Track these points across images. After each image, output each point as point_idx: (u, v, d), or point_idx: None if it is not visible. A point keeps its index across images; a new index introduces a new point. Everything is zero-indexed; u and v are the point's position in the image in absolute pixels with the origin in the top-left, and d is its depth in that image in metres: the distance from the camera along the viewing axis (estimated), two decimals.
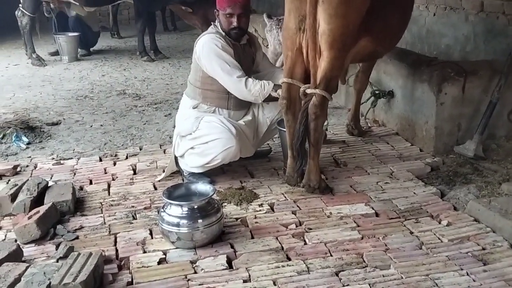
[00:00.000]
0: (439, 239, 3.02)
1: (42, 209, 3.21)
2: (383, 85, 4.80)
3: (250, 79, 3.65)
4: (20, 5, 8.18)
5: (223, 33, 3.73)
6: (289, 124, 3.66)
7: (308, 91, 3.44)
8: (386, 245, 2.96)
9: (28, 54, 8.36)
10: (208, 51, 3.66)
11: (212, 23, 3.83)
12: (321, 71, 3.39)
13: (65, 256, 2.80)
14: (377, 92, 4.76)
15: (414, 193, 3.59)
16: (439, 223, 3.20)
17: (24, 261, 2.82)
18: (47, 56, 8.71)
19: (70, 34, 8.59)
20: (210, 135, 3.66)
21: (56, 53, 8.77)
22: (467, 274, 2.68)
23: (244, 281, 2.69)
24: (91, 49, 9.19)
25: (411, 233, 3.10)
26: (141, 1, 8.31)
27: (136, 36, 8.80)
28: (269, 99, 3.73)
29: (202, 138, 3.70)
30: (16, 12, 8.26)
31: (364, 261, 2.82)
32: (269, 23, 5.67)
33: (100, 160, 4.37)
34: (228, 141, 3.62)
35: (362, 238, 3.05)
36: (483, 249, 2.91)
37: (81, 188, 3.83)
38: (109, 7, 10.52)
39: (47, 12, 8.57)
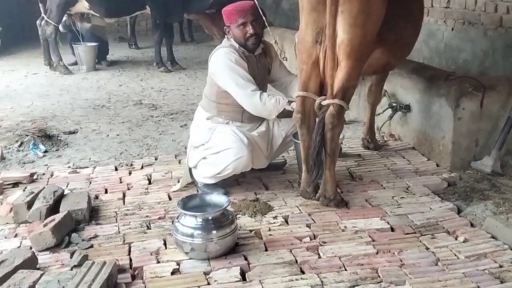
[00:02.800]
0: (455, 255, 2.98)
1: (58, 217, 3.22)
2: (400, 99, 4.77)
3: (264, 93, 3.65)
4: (44, 15, 8.30)
5: (237, 46, 3.73)
6: (304, 138, 3.64)
7: (325, 102, 3.44)
8: (401, 261, 2.93)
9: (55, 62, 8.45)
10: (223, 66, 3.66)
11: (226, 35, 3.83)
12: (338, 81, 3.38)
13: (79, 265, 2.81)
14: (394, 104, 4.74)
15: (431, 208, 3.55)
16: (456, 239, 3.16)
17: (38, 269, 2.83)
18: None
19: (89, 44, 8.72)
20: (222, 145, 3.67)
21: (74, 63, 8.88)
22: None
23: None
24: (108, 58, 9.29)
25: (427, 249, 3.06)
26: (158, 13, 8.40)
27: (153, 47, 8.88)
28: (283, 114, 3.72)
29: (214, 148, 3.71)
30: (38, 22, 8.39)
31: (379, 276, 2.79)
32: None
33: (116, 169, 4.39)
34: (239, 150, 3.62)
35: (377, 253, 3.02)
36: (500, 266, 2.86)
37: (97, 197, 3.84)
38: (127, 18, 10.65)
39: (63, 27, 8.69)
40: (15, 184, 4.07)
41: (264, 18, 4.21)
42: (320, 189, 3.61)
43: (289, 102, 3.65)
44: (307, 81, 3.56)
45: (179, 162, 4.50)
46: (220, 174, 3.73)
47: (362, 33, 3.33)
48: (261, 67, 3.85)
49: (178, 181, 3.97)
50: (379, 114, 4.81)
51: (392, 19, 3.57)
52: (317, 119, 3.56)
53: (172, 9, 8.36)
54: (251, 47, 3.74)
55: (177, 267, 2.91)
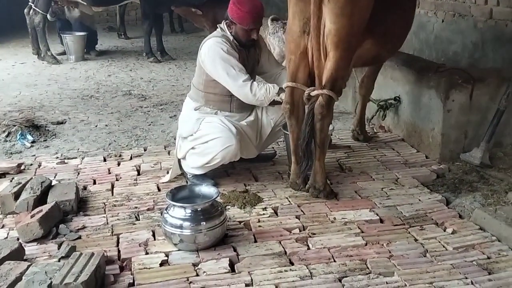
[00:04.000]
0: (443, 247, 3.00)
1: (45, 208, 3.20)
2: (390, 90, 4.77)
3: (255, 83, 3.64)
4: (32, 4, 8.20)
5: (231, 38, 3.71)
6: (293, 129, 3.64)
7: (313, 93, 3.43)
8: (390, 252, 2.94)
9: (42, 52, 8.36)
10: (214, 55, 3.64)
11: (218, 25, 3.81)
12: (327, 71, 3.37)
13: (67, 256, 2.78)
14: (382, 103, 4.74)
15: (419, 200, 3.57)
16: (444, 230, 3.17)
17: (25, 260, 2.82)
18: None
19: (77, 33, 8.62)
20: (210, 135, 3.66)
21: (63, 53, 8.80)
22: (472, 283, 2.65)
23: (247, 285, 2.67)
24: (96, 47, 9.21)
25: (416, 240, 3.07)
26: (147, 3, 8.32)
27: (142, 37, 8.81)
28: (274, 103, 3.71)
29: (202, 138, 3.70)
30: (25, 10, 8.28)
31: (368, 268, 2.80)
32: (272, 26, 5.72)
33: (104, 160, 4.36)
34: (227, 139, 3.61)
35: (366, 244, 3.03)
36: (488, 258, 2.88)
37: (85, 188, 3.82)
38: (116, 8, 10.56)
39: (51, 15, 8.60)
40: (2, 175, 4.03)
41: None
42: (310, 180, 3.61)
43: (279, 92, 3.63)
44: (296, 72, 3.55)
45: (168, 153, 4.47)
46: (209, 164, 3.71)
47: (349, 23, 3.31)
48: (250, 59, 3.84)
49: (167, 172, 3.95)
50: (373, 117, 4.82)
51: (382, 10, 3.55)
52: (306, 110, 3.55)
53: None
54: (247, 45, 3.75)
55: (166, 258, 2.90)
